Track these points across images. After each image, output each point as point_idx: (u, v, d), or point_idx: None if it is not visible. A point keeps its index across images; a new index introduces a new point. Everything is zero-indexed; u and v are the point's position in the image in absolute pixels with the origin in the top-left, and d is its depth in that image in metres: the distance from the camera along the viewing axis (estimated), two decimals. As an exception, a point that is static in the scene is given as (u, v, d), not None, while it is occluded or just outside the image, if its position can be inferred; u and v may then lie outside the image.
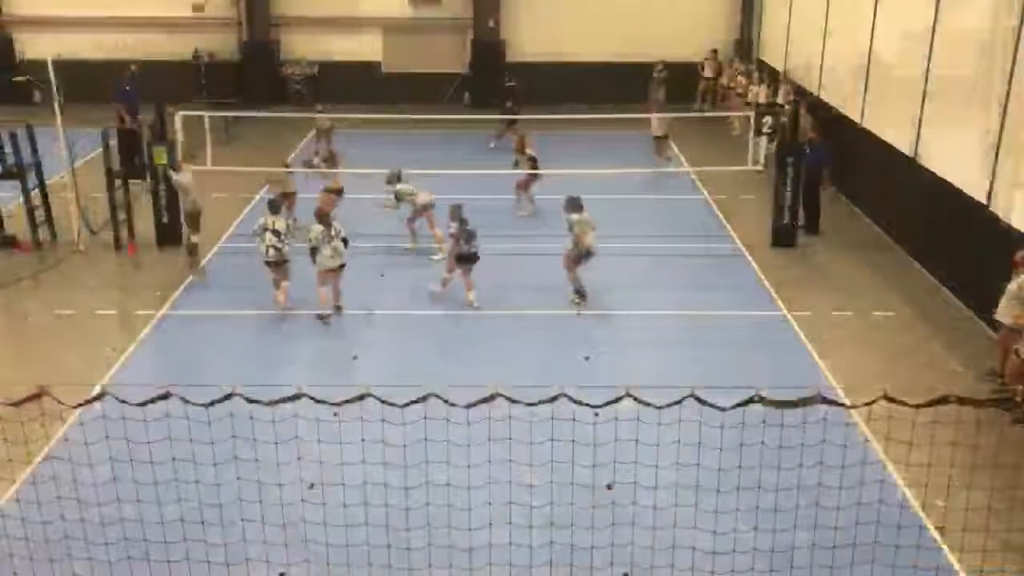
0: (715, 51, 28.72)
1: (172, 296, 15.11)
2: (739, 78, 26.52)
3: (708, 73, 28.64)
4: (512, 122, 23.73)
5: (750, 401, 7.33)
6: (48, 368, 12.59)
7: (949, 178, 15.30)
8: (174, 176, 16.49)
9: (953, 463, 8.75)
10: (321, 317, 14.15)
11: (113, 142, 17.02)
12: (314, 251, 14.01)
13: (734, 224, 18.55)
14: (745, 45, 29.38)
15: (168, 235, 17.28)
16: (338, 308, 14.32)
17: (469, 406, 7.57)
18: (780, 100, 23.51)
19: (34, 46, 27.93)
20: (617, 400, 7.40)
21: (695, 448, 8.36)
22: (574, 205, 14.94)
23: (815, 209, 18.04)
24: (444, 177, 18.82)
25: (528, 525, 8.53)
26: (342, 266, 14.16)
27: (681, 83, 27.95)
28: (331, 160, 19.96)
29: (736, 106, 25.69)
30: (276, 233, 14.26)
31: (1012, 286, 11.58)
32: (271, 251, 14.26)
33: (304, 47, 29.84)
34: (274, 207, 14.83)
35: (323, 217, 14.15)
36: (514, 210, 18.98)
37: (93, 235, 17.47)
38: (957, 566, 8.78)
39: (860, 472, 8.75)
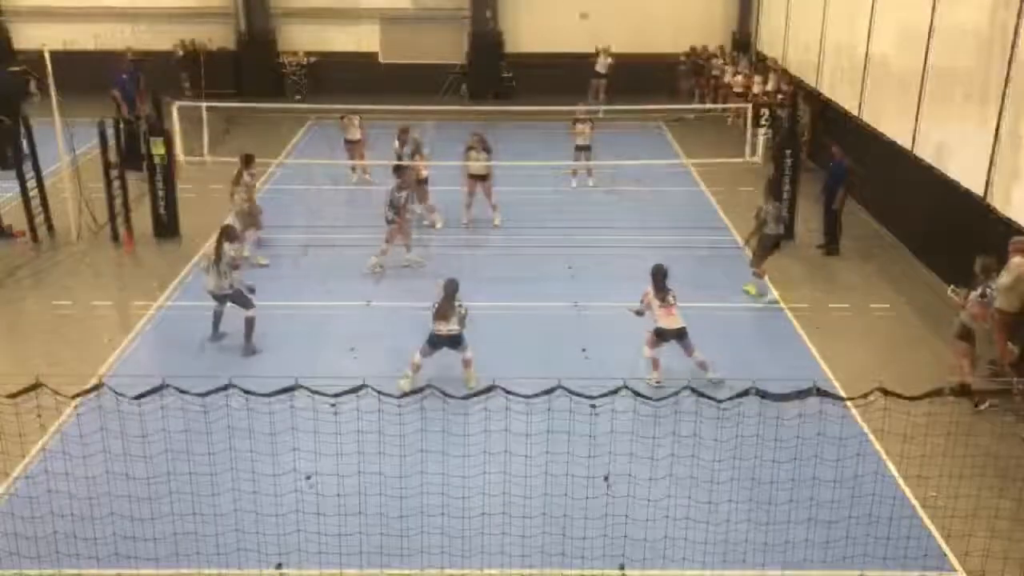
0: (720, 47, 28.68)
1: (169, 289, 15.10)
2: (737, 74, 26.47)
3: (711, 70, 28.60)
4: None
5: (746, 394, 7.35)
6: (45, 361, 12.59)
7: (947, 172, 15.29)
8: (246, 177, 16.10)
9: (948, 455, 8.77)
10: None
11: (110, 131, 16.98)
12: None
13: (732, 217, 18.53)
14: (743, 38, 29.33)
15: (165, 228, 17.24)
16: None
17: (466, 397, 7.59)
18: (771, 88, 23.50)
19: (30, 37, 27.83)
20: (614, 392, 7.42)
21: (691, 441, 8.38)
22: None
23: (837, 227, 17.58)
24: (441, 169, 18.77)
25: (523, 516, 8.54)
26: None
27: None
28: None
29: (733, 98, 25.65)
30: None
31: (1003, 278, 11.55)
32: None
33: (302, 38, 29.79)
34: None
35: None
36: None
37: (91, 228, 17.44)
38: (956, 564, 8.77)
39: (856, 465, 8.77)
